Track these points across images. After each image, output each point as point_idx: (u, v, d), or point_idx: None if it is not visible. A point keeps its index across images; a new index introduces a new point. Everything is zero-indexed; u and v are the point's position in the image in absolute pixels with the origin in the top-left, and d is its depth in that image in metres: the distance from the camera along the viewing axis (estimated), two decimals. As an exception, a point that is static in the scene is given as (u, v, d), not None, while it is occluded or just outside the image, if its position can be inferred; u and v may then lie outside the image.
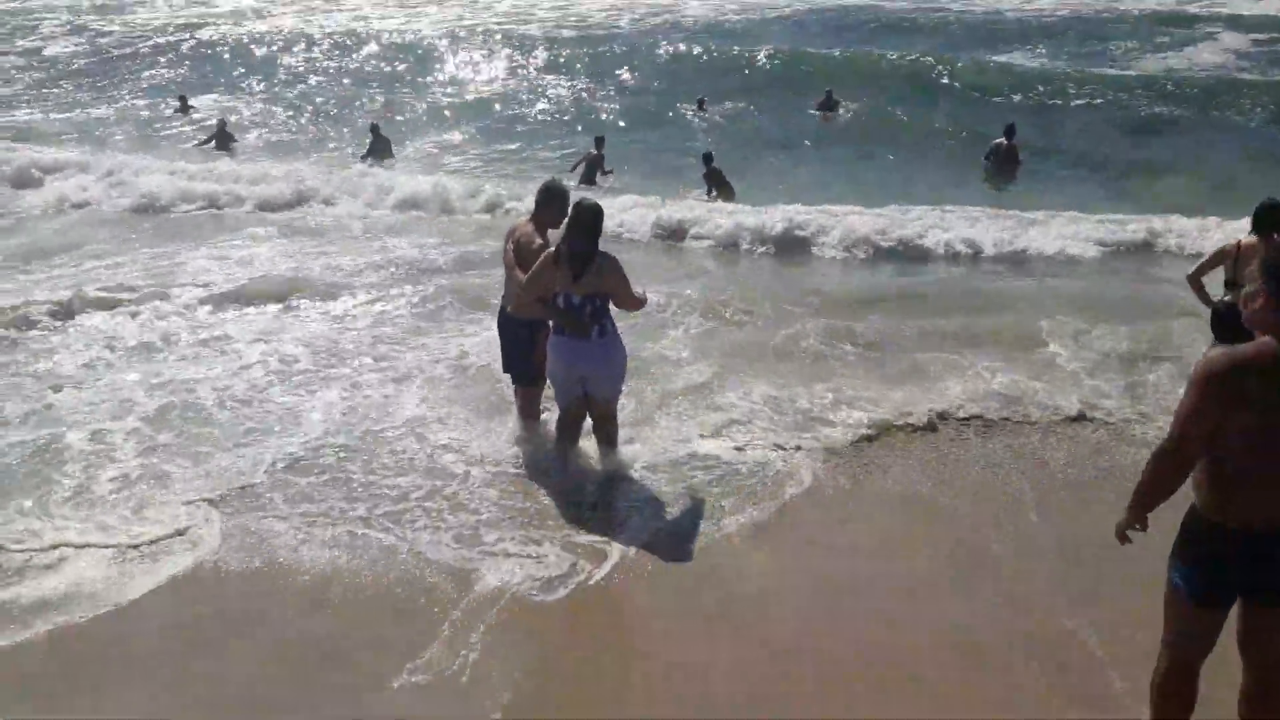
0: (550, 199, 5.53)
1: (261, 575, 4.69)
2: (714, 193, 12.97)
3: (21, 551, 4.82)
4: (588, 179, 13.80)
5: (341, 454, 5.81)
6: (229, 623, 4.36)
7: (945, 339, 7.69)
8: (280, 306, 8.49)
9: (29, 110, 20.45)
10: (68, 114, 20.23)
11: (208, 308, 8.42)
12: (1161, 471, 2.97)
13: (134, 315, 8.18)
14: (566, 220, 5.17)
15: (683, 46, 24.36)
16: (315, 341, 7.62)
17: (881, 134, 17.38)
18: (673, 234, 11.22)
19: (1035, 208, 11.82)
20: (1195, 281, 5.87)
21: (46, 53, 26.39)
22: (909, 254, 10.55)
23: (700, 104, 19.34)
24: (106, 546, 4.86)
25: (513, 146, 17.25)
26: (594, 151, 14.17)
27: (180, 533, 4.99)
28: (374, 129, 16.13)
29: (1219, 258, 5.79)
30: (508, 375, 5.96)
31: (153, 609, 4.45)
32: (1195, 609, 3.06)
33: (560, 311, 5.15)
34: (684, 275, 9.71)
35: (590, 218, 5.07)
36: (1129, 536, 3.17)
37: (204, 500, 5.28)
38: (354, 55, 24.56)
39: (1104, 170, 14.96)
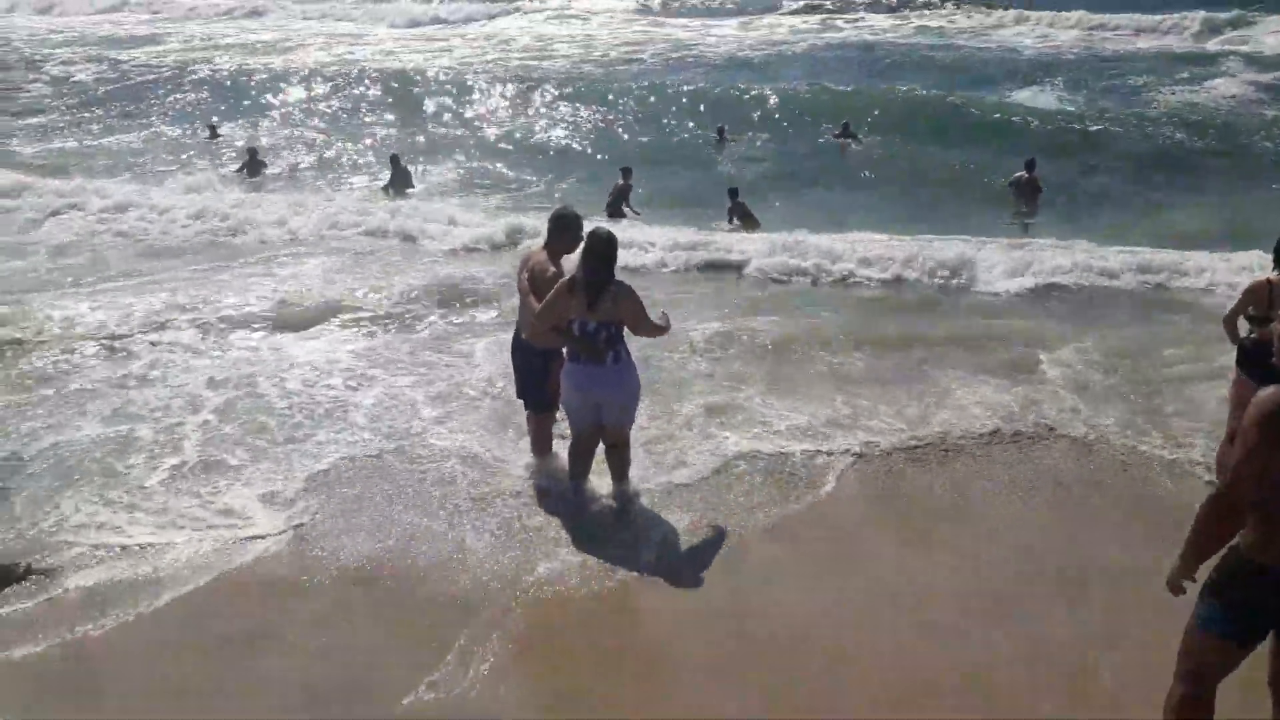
0: (563, 227, 5.60)
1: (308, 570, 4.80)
2: (736, 223, 13.13)
3: (94, 545, 5.13)
4: (614, 209, 13.89)
5: (362, 469, 5.95)
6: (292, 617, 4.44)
7: (963, 360, 7.88)
8: (337, 324, 8.76)
9: (64, 138, 20.87)
10: (99, 140, 20.62)
11: (265, 330, 8.65)
12: (1217, 517, 2.91)
13: (203, 333, 8.49)
14: (582, 248, 5.25)
15: (702, 83, 24.62)
16: (370, 354, 7.96)
17: (900, 166, 17.48)
18: (707, 265, 11.18)
19: (1053, 237, 11.89)
20: (1230, 323, 5.84)
21: (76, 79, 26.93)
22: (928, 281, 10.59)
23: (720, 133, 19.55)
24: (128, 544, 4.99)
25: (531, 178, 17.41)
26: (621, 182, 14.29)
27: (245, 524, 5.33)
28: (394, 160, 16.39)
29: (1250, 297, 5.74)
30: (521, 401, 6.02)
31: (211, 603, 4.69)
32: (1223, 645, 3.02)
33: (575, 338, 5.22)
34: (714, 303, 9.77)
35: (604, 246, 5.15)
36: (1183, 587, 3.09)
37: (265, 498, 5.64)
38: (376, 87, 24.92)
39: (1123, 203, 14.96)
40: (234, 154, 18.54)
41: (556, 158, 18.98)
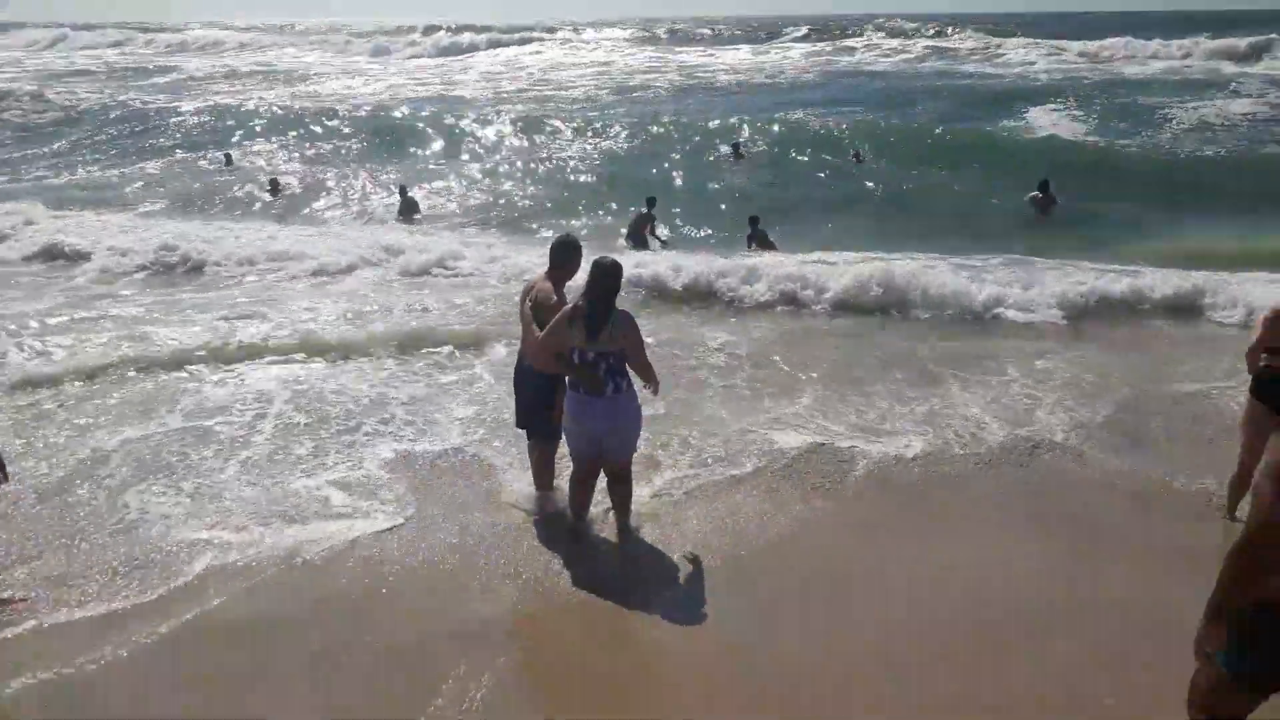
0: (565, 254, 5.52)
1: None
2: (755, 248, 13.18)
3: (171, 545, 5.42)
4: (637, 238, 13.87)
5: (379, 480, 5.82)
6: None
7: (978, 370, 8.00)
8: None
9: (89, 168, 21.13)
10: (120, 170, 20.88)
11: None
12: (1242, 573, 2.66)
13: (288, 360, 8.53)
14: (587, 277, 5.16)
15: (719, 106, 24.74)
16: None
17: (909, 188, 17.45)
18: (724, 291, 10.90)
19: (1064, 257, 11.85)
20: (1253, 356, 5.65)
21: (83, 109, 27.28)
22: (947, 300, 10.45)
23: (736, 149, 19.64)
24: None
25: (549, 205, 17.41)
26: (644, 210, 14.34)
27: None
28: (402, 190, 16.71)
29: (1276, 326, 5.55)
30: (523, 432, 5.91)
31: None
32: (1239, 691, 2.80)
33: (575, 367, 5.11)
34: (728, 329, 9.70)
35: (606, 276, 5.05)
36: (1211, 650, 2.78)
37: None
38: (390, 115, 25.12)
39: (1137, 223, 14.85)
40: (255, 182, 18.70)
41: (574, 183, 18.99)
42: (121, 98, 29.18)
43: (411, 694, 4.16)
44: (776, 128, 22.04)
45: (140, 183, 19.41)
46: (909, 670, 4.33)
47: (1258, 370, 5.36)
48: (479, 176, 19.43)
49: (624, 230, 14.22)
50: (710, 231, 15.17)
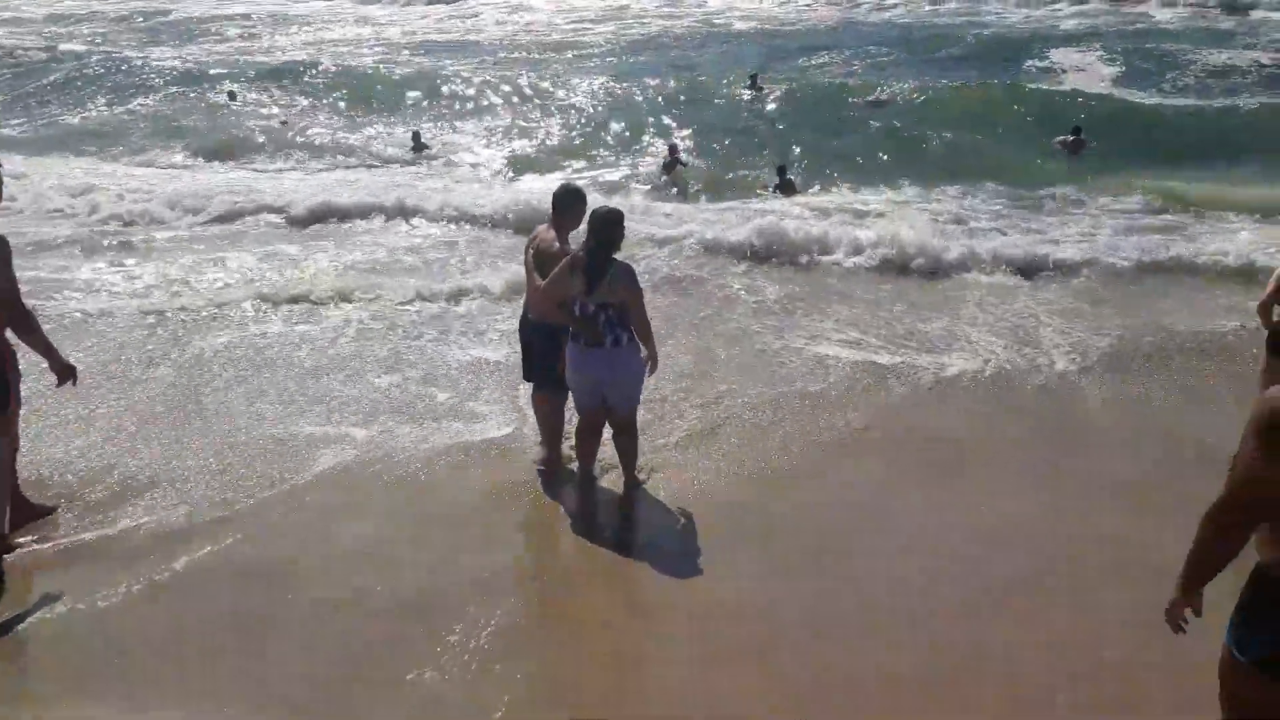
0: (568, 203, 5.43)
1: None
2: (777, 193, 13.21)
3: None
4: (670, 176, 14.13)
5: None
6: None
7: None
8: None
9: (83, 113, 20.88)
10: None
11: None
12: (1218, 532, 2.54)
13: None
14: (586, 227, 5.06)
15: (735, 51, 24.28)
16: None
17: (934, 120, 17.16)
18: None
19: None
20: (1265, 309, 5.54)
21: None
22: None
23: (753, 81, 19.26)
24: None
25: (578, 143, 17.09)
26: (669, 158, 14.46)
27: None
28: (415, 136, 16.63)
29: None
30: (530, 384, 5.84)
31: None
32: (1266, 681, 2.60)
33: (576, 318, 5.04)
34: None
35: (605, 225, 4.96)
36: (1184, 623, 2.68)
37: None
38: (397, 57, 24.80)
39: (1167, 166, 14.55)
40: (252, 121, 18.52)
41: (595, 123, 18.59)
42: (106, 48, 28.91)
43: (418, 640, 4.17)
44: (794, 79, 21.65)
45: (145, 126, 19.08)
46: (922, 621, 4.31)
47: (1273, 326, 5.27)
48: (480, 120, 19.16)
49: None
50: (729, 172, 14.92)
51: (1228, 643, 2.67)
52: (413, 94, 20.96)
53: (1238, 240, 9.99)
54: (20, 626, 4.26)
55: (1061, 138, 15.63)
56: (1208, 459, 5.16)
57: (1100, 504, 5.29)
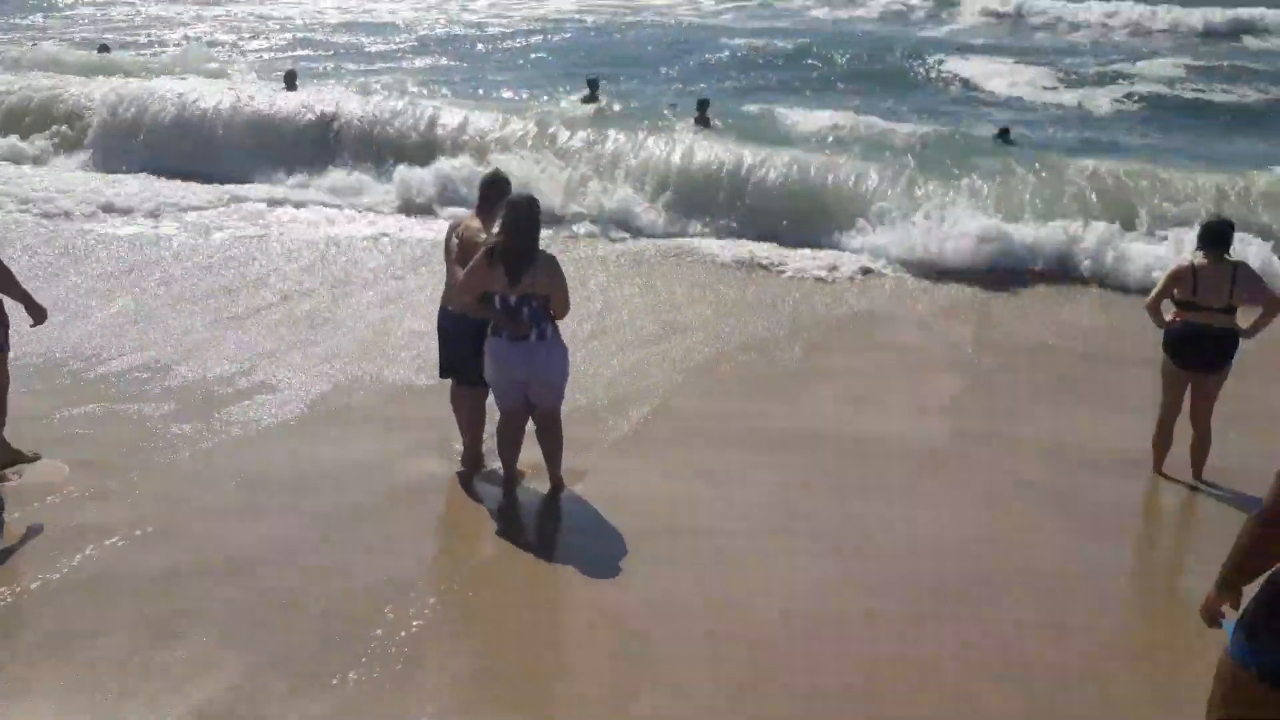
0: (494, 191, 5.23)
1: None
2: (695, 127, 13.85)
3: None
4: (702, 122, 14.36)
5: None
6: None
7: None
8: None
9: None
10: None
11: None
12: (1267, 537, 2.49)
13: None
14: (501, 216, 4.86)
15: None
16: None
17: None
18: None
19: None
20: (1154, 308, 5.69)
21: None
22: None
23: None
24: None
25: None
26: (698, 114, 14.60)
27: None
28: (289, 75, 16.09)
29: (1173, 281, 5.62)
30: (447, 381, 5.61)
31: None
32: (1269, 692, 2.53)
33: (497, 312, 4.85)
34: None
35: (524, 214, 4.77)
36: (1222, 617, 2.64)
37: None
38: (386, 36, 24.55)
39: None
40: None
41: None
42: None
43: (339, 643, 3.98)
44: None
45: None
46: (849, 627, 4.26)
47: (1169, 325, 5.61)
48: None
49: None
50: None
51: (1236, 655, 2.58)
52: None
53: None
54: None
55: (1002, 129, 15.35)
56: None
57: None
